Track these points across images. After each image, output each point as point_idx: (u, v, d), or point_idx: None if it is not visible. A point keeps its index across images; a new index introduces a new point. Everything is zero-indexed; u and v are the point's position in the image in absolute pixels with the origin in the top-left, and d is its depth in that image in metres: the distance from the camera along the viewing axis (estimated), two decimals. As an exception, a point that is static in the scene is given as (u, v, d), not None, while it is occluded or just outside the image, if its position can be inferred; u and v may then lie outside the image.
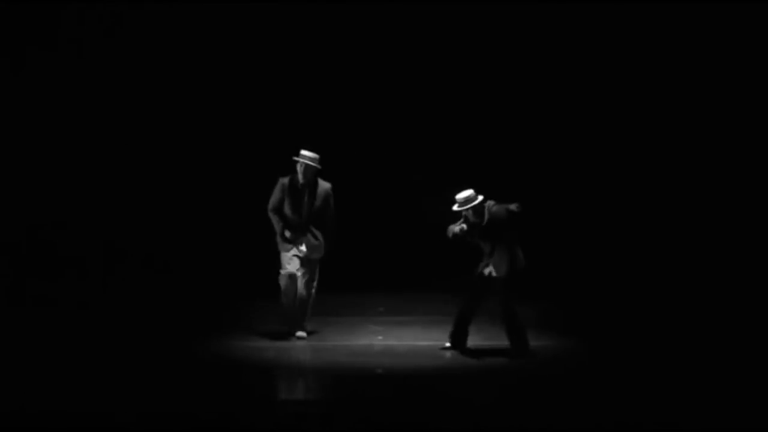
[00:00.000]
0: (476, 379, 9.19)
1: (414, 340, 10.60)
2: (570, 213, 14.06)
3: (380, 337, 10.72)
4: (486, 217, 9.84)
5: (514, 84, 14.35)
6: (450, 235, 9.95)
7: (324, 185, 10.49)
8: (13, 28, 13.92)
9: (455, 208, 9.92)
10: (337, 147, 12.76)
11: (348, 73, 14.37)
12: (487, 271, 9.91)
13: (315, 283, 10.54)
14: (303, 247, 10.41)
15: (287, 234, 10.38)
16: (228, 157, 14.30)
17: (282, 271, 10.41)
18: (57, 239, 14.07)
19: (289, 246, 10.38)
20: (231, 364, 9.62)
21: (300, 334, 10.51)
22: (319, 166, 10.41)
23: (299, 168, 10.38)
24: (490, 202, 9.88)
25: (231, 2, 14.09)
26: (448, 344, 10.11)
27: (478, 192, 9.86)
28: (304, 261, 10.42)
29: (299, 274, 10.39)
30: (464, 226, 9.89)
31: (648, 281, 13.32)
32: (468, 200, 9.86)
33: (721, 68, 13.98)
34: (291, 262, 10.37)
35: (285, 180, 10.46)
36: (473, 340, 10.12)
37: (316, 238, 10.42)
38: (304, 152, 10.40)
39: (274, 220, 10.44)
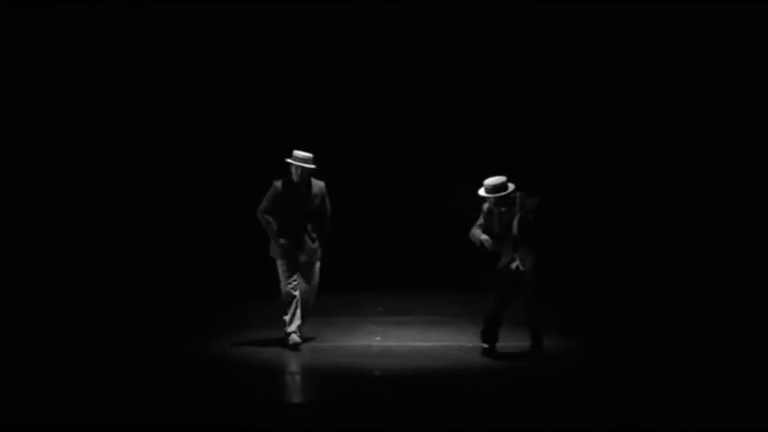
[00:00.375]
0: (476, 379, 9.18)
1: (413, 341, 10.57)
2: (569, 213, 14.04)
3: (378, 338, 10.70)
4: (518, 207, 9.41)
5: (513, 85, 14.35)
6: (477, 243, 9.55)
7: (318, 184, 10.15)
8: (13, 28, 13.93)
9: (481, 192, 9.48)
10: (337, 146, 12.77)
11: (348, 72, 14.37)
12: (514, 265, 9.59)
13: (316, 286, 10.28)
14: (301, 254, 10.10)
15: (282, 241, 10.04)
16: (226, 157, 14.30)
17: (282, 288, 10.09)
18: (56, 240, 14.07)
19: (286, 255, 10.04)
20: (231, 364, 9.61)
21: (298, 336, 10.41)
22: (314, 166, 10.10)
23: (294, 170, 10.04)
24: (520, 193, 9.47)
25: (229, 2, 14.09)
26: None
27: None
28: (304, 266, 10.15)
29: (299, 290, 10.10)
30: (490, 240, 9.52)
31: (648, 281, 13.31)
32: (498, 188, 9.40)
33: (721, 68, 13.99)
34: (291, 280, 10.05)
35: (278, 183, 10.08)
36: (473, 341, 10.11)
37: (313, 240, 10.12)
38: (297, 153, 10.03)
39: (267, 225, 10.07)
